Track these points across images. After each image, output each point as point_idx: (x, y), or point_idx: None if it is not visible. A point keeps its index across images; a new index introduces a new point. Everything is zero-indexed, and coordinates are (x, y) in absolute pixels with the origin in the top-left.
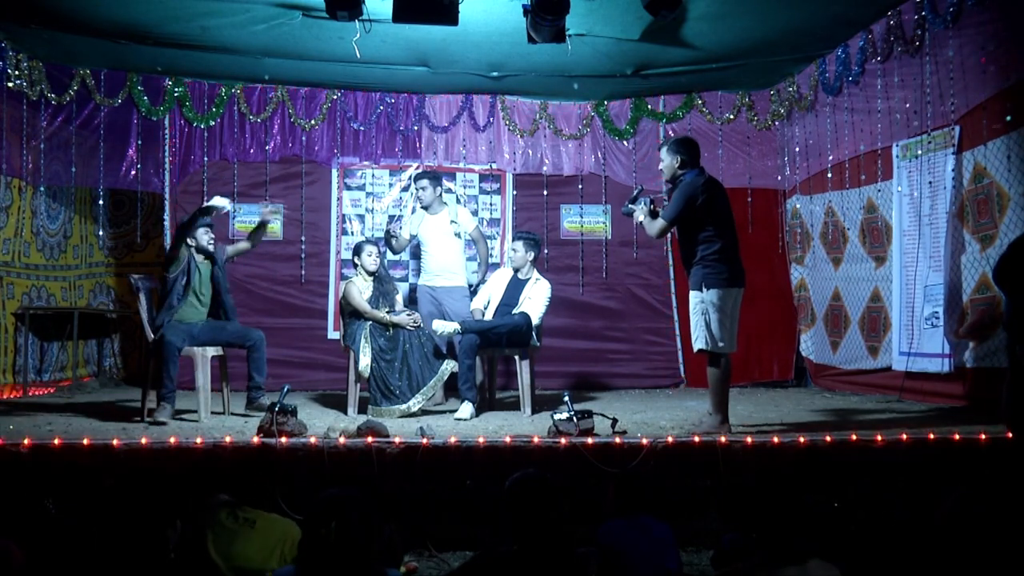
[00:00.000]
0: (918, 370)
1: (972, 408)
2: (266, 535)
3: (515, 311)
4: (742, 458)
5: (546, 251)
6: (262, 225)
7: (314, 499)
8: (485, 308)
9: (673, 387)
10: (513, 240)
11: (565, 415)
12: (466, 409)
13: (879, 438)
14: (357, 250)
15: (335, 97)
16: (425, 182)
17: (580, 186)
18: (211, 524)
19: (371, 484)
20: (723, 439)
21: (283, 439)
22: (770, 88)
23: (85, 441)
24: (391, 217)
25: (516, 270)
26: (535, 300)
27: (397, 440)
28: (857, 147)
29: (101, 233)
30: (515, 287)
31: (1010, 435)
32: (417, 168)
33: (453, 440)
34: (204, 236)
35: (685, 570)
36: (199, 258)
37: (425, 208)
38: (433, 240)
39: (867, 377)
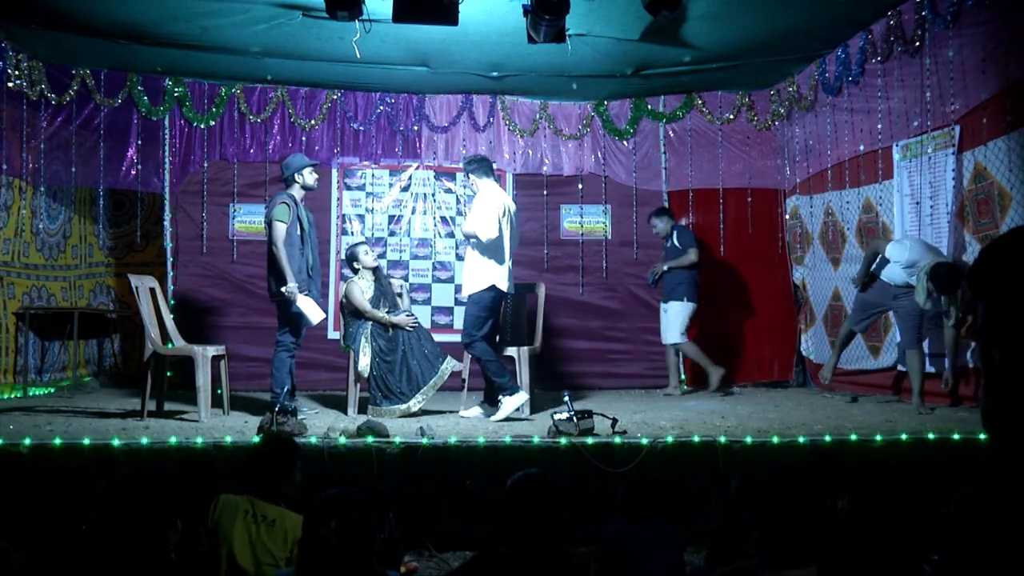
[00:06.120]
0: None
1: (975, 408)
2: (286, 530)
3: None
4: (742, 458)
5: (546, 251)
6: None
7: (314, 499)
8: None
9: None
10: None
11: (565, 415)
12: (475, 410)
13: (879, 438)
14: (353, 255)
15: (335, 97)
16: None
17: (580, 186)
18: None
19: (371, 484)
20: (723, 439)
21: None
22: (770, 88)
23: (85, 441)
24: (391, 217)
25: None
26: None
27: (397, 440)
28: (857, 147)
29: (101, 233)
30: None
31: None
32: (417, 168)
33: (453, 440)
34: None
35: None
36: None
37: None
38: None
39: (868, 377)
